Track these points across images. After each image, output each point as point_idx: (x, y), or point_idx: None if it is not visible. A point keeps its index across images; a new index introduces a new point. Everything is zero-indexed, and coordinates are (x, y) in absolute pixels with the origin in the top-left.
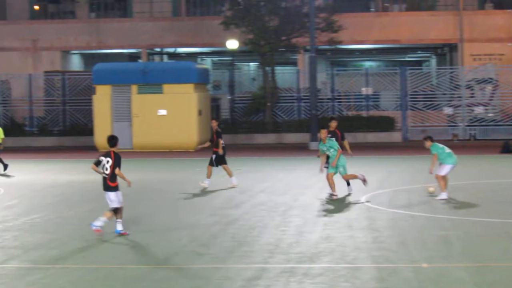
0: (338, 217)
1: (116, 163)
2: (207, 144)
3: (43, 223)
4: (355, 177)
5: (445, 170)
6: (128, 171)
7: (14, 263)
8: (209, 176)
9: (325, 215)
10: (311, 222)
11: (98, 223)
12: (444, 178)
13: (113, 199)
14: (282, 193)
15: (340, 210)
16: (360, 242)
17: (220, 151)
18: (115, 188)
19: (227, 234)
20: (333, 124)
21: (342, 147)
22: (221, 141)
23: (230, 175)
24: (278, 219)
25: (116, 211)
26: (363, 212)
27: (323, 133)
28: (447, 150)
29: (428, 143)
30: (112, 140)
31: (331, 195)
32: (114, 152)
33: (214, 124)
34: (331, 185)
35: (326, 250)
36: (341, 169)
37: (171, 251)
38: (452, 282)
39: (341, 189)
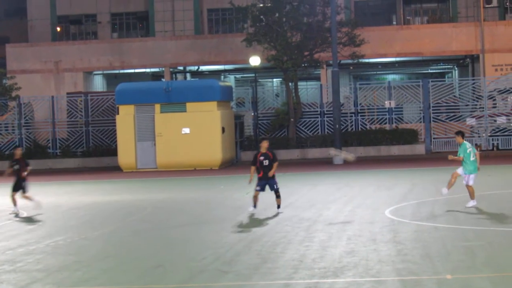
0: (362, 231)
1: None
2: (26, 171)
3: (67, 245)
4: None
5: (472, 179)
6: (153, 191)
7: (37, 286)
8: (29, 199)
9: (349, 229)
10: (335, 237)
11: None
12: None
13: None
14: (306, 208)
15: (364, 224)
16: (384, 255)
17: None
18: None
19: (251, 251)
20: (265, 145)
21: (266, 167)
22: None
23: (15, 204)
24: (302, 234)
25: None
26: (387, 225)
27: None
28: (472, 157)
29: (459, 139)
30: None
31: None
32: None
33: (19, 152)
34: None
35: (350, 264)
36: None
37: (195, 269)
38: None
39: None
